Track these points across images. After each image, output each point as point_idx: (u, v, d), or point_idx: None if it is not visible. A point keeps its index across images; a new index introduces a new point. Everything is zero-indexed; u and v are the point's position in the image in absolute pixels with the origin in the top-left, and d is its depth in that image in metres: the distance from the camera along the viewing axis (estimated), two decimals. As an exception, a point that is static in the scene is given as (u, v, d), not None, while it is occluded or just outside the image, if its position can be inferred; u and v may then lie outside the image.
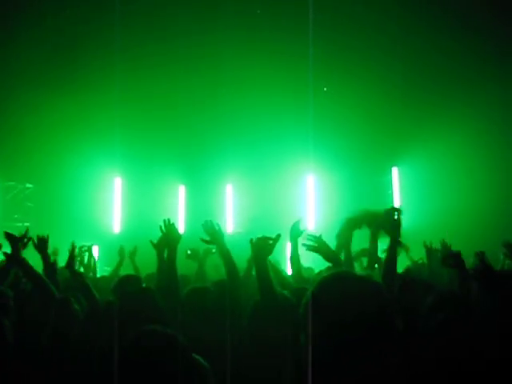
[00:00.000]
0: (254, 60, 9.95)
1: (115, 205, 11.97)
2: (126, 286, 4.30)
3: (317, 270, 5.30)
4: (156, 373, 2.12)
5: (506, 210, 9.75)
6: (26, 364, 2.69)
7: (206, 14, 9.71)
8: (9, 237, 4.47)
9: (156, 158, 11.31)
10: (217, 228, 4.05)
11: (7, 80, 10.05)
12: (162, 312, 3.52)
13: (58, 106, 10.17)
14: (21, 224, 11.22)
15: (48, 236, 4.77)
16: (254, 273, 3.83)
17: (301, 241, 4.66)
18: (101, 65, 9.72)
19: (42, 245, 4.70)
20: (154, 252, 4.28)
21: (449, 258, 3.92)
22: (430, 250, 5.95)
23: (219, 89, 10.62)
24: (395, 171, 11.62)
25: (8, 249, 4.45)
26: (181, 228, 11.90)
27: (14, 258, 4.36)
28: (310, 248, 3.95)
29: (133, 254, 7.27)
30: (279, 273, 4.65)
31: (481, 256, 3.80)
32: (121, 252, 7.28)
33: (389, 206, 3.92)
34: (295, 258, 4.90)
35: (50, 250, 4.83)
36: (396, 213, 3.83)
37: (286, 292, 3.69)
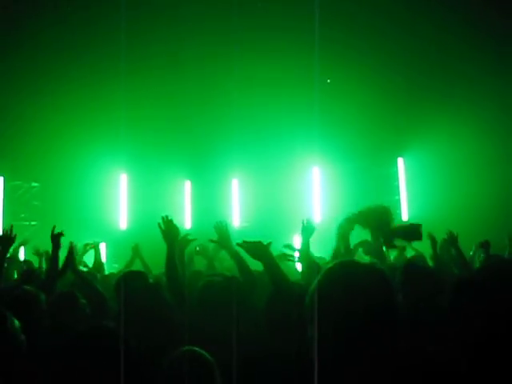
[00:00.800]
0: (258, 55, 9.95)
1: (121, 201, 11.99)
2: (131, 282, 4.30)
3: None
4: None
5: (511, 201, 9.71)
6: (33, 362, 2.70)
7: (208, 10, 9.72)
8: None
9: (161, 154, 11.32)
10: (226, 230, 4.13)
11: (13, 79, 10.08)
12: (169, 308, 3.54)
13: (63, 105, 10.20)
14: (27, 223, 11.28)
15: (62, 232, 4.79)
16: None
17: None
18: (106, 63, 9.72)
19: (56, 240, 4.73)
20: (161, 248, 4.30)
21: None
22: (434, 241, 5.97)
23: (224, 84, 10.60)
24: (401, 162, 11.58)
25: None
26: (187, 223, 11.93)
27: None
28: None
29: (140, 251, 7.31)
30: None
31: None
32: (135, 250, 7.30)
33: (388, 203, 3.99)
34: (306, 255, 4.89)
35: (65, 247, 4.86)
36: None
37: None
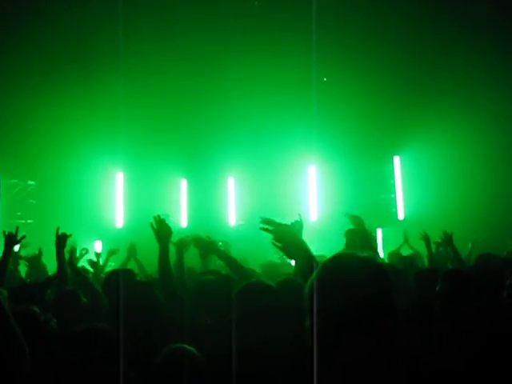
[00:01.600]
0: (254, 52, 9.95)
1: (117, 200, 12.00)
2: (122, 279, 4.28)
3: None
4: None
5: (507, 200, 9.75)
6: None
7: (207, 9, 9.74)
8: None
9: (157, 153, 11.32)
10: (208, 240, 4.20)
11: (9, 78, 10.06)
12: (159, 306, 3.56)
13: (59, 103, 10.18)
14: (24, 221, 11.26)
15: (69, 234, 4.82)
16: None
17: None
18: (102, 61, 9.72)
19: (61, 242, 4.76)
20: (157, 247, 4.32)
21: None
22: (427, 240, 6.02)
23: (220, 83, 10.62)
24: (397, 160, 11.61)
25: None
26: (183, 222, 11.94)
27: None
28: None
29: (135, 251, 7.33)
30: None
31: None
32: (130, 249, 7.32)
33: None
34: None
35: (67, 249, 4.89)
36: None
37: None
